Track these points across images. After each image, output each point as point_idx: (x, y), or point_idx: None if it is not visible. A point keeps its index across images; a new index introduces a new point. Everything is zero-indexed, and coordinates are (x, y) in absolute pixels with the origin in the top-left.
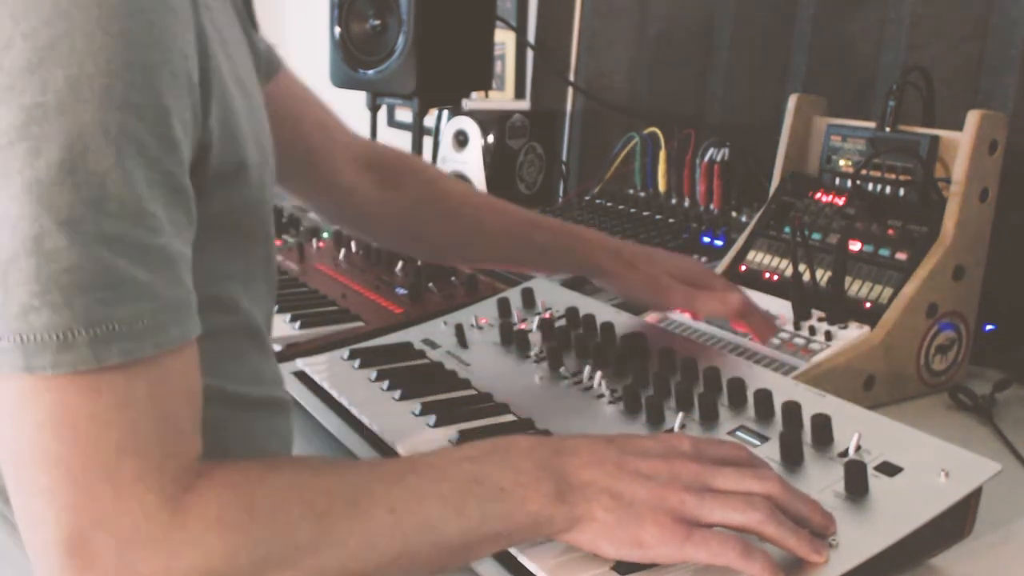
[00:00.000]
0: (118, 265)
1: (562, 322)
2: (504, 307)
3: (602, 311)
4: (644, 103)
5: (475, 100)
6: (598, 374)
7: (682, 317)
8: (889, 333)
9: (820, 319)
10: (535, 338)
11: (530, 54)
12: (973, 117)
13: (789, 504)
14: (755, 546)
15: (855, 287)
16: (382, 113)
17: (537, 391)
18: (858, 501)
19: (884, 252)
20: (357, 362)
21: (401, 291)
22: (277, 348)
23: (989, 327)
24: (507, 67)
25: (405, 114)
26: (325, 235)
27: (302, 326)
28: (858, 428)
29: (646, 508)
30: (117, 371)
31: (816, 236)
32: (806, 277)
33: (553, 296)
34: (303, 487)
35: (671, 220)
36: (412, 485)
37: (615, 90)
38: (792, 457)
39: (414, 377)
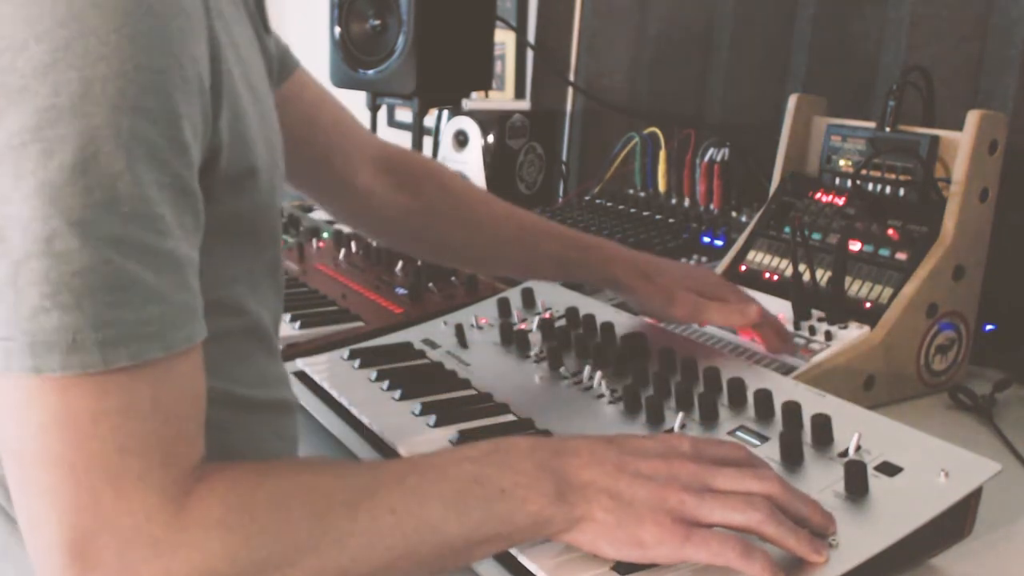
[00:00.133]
0: (128, 268)
1: (562, 322)
2: (504, 307)
3: (602, 311)
4: (644, 103)
5: (475, 100)
6: (598, 374)
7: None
8: (889, 333)
9: (820, 319)
10: (535, 338)
11: (530, 54)
12: (973, 117)
13: (789, 504)
14: (755, 546)
15: (855, 287)
16: (382, 113)
17: (537, 391)
18: (858, 501)
19: (884, 252)
20: (357, 362)
21: (401, 291)
22: None
23: (989, 327)
24: (507, 67)
25: (405, 114)
26: (325, 235)
27: (302, 326)
28: (858, 428)
29: (646, 508)
30: (123, 373)
31: (816, 236)
32: (806, 277)
33: (553, 296)
34: (304, 488)
35: (671, 220)
36: (412, 486)
37: (615, 90)
38: (792, 457)
39: (414, 377)
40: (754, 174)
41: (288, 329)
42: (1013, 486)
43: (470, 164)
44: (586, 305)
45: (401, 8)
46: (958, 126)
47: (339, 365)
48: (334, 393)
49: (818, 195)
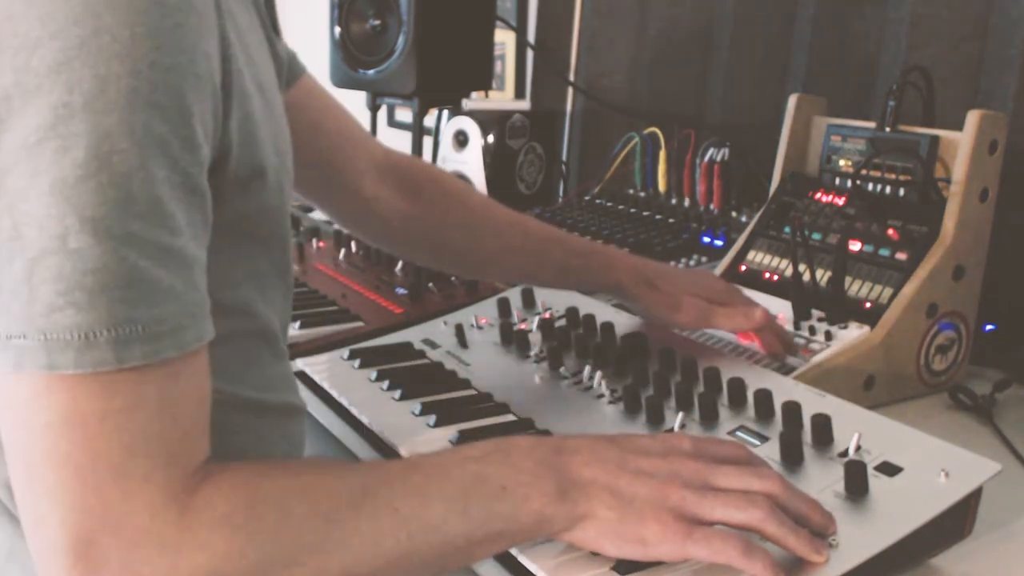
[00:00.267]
0: (141, 266)
1: (562, 322)
2: (504, 307)
3: (602, 311)
4: (644, 103)
5: (475, 100)
6: (598, 374)
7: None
8: (889, 333)
9: (820, 319)
10: (535, 338)
11: (530, 54)
12: (973, 117)
13: (789, 502)
14: (757, 545)
15: (855, 287)
16: (382, 113)
17: (537, 391)
18: (858, 501)
19: (884, 252)
20: (357, 362)
21: (401, 291)
22: None
23: (989, 327)
24: (507, 67)
25: (405, 114)
26: (325, 235)
27: (302, 326)
28: (858, 428)
29: (648, 506)
30: (132, 372)
31: (816, 236)
32: (806, 277)
33: (553, 296)
34: (308, 488)
35: (671, 220)
36: (415, 485)
37: (615, 90)
38: (792, 457)
39: (414, 377)
40: (754, 174)
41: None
42: (1013, 486)
43: (470, 164)
44: (586, 305)
45: (401, 8)
46: (958, 126)
47: (339, 365)
48: (334, 393)
49: (818, 195)
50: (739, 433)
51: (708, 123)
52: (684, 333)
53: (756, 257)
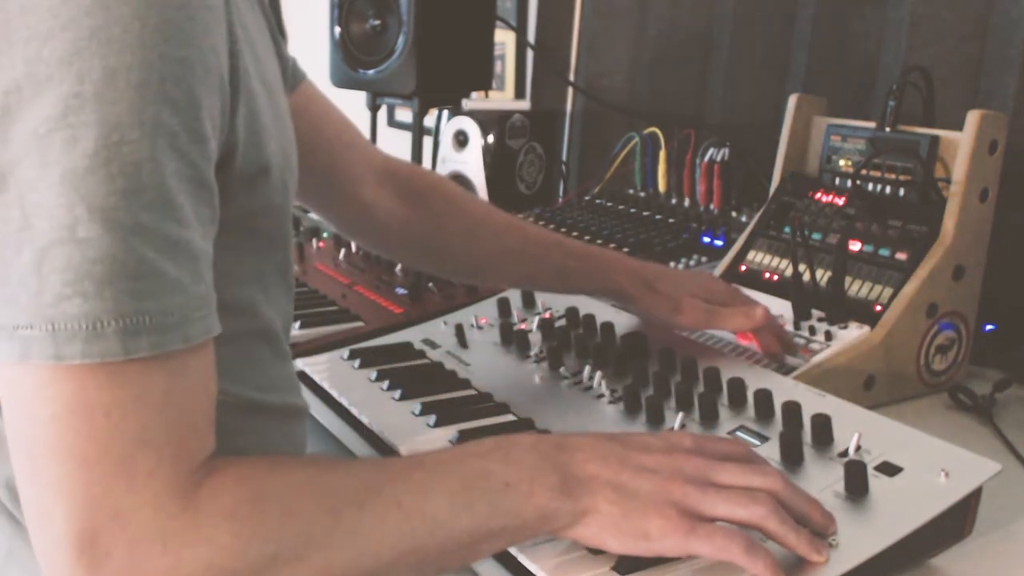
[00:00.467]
0: (150, 257)
1: (562, 322)
2: (504, 307)
3: (602, 311)
4: (644, 103)
5: (475, 100)
6: (598, 374)
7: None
8: (889, 333)
9: (820, 319)
10: (535, 338)
11: (530, 54)
12: (973, 117)
13: (790, 500)
14: (759, 544)
15: (855, 287)
16: (382, 113)
17: (537, 391)
18: (858, 501)
19: (884, 252)
20: (357, 362)
21: (401, 291)
22: None
23: (989, 327)
24: (507, 67)
25: (405, 114)
26: (325, 235)
27: (302, 326)
28: (858, 428)
29: (650, 500)
30: (139, 364)
31: (816, 236)
32: (806, 277)
33: (553, 296)
34: (313, 483)
35: (671, 220)
36: (419, 481)
37: (615, 90)
38: (792, 457)
39: (414, 377)
40: (754, 174)
41: None
42: (1013, 486)
43: (470, 164)
44: (586, 305)
45: (401, 8)
46: (958, 126)
47: (339, 365)
48: (334, 393)
49: (818, 195)
50: (739, 433)
51: (708, 123)
52: (684, 333)
53: (756, 257)
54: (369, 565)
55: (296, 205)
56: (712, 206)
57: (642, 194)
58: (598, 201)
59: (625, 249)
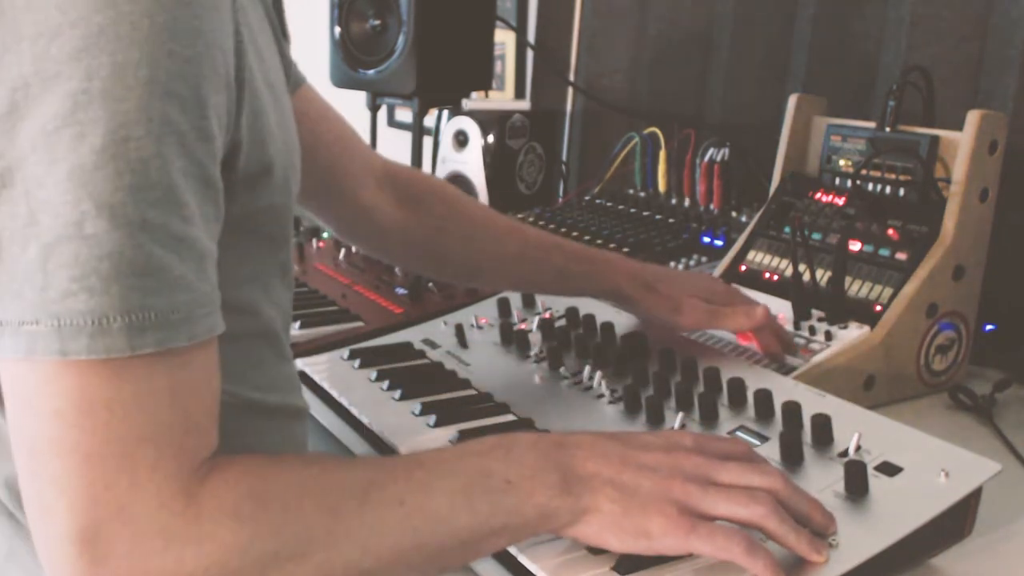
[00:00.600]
0: (156, 253)
1: (562, 322)
2: (504, 307)
3: (602, 311)
4: (644, 103)
5: (475, 100)
6: (598, 374)
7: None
8: (889, 333)
9: (820, 319)
10: (535, 338)
11: (530, 54)
12: (973, 117)
13: (791, 500)
14: (759, 544)
15: (855, 287)
16: (382, 113)
17: (537, 391)
18: (858, 501)
19: (884, 252)
20: (357, 362)
21: (401, 291)
22: None
23: (989, 327)
24: (507, 67)
25: (405, 114)
26: (325, 235)
27: (302, 326)
28: (858, 428)
29: (651, 499)
30: (144, 360)
31: (816, 236)
32: (806, 277)
33: (553, 297)
34: (314, 481)
35: (671, 220)
36: (420, 480)
37: (615, 90)
38: (792, 457)
39: (414, 377)
40: (754, 174)
41: None
42: (1013, 486)
43: (470, 164)
44: (586, 305)
45: (401, 8)
46: (958, 126)
47: (339, 365)
48: (334, 393)
49: (818, 195)
50: (739, 433)
51: (708, 123)
52: (684, 334)
53: (756, 257)
54: (370, 563)
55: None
56: (712, 206)
57: (642, 194)
58: (598, 201)
59: (625, 249)
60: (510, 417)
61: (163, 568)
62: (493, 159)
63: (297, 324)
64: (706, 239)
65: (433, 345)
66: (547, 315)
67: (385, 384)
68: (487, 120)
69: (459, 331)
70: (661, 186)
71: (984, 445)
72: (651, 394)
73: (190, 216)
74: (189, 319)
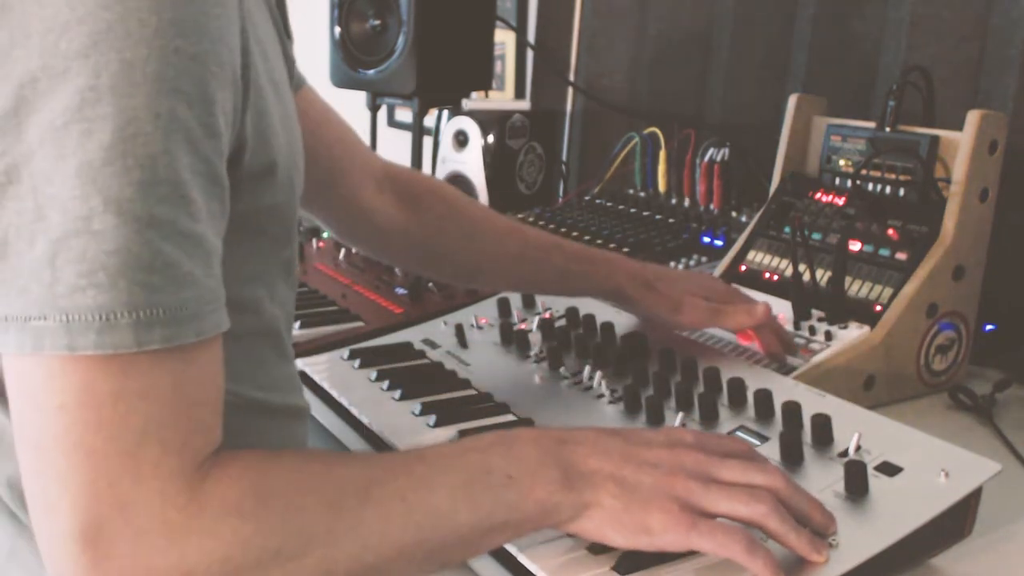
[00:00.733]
0: (164, 249)
1: (562, 322)
2: (504, 307)
3: (602, 311)
4: (644, 103)
5: (475, 100)
6: (598, 374)
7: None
8: (889, 333)
9: (820, 319)
10: (535, 338)
11: (530, 54)
12: (973, 117)
13: (791, 499)
14: (760, 543)
15: (855, 287)
16: (382, 113)
17: (537, 391)
18: (858, 501)
19: (884, 252)
20: (357, 362)
21: (401, 291)
22: None
23: (989, 327)
24: (507, 67)
25: (405, 114)
26: (325, 235)
27: (302, 326)
28: (858, 428)
29: (652, 495)
30: (149, 356)
31: (816, 236)
32: (806, 277)
33: (553, 296)
34: (316, 478)
35: (671, 220)
36: (421, 476)
37: (615, 90)
38: (792, 457)
39: (414, 377)
40: (754, 174)
41: None
42: (1013, 486)
43: (470, 164)
44: (586, 305)
45: (401, 8)
46: (958, 126)
47: (339, 365)
48: (334, 393)
49: (818, 195)
50: (739, 433)
51: (708, 123)
52: (685, 333)
53: (756, 257)
54: (371, 559)
55: None
56: (712, 206)
57: (642, 194)
58: (598, 201)
59: (625, 249)
60: (510, 417)
61: (165, 564)
62: (493, 159)
63: (297, 324)
64: (706, 239)
65: (433, 345)
66: (547, 315)
67: (385, 384)
68: (487, 120)
69: (459, 331)
70: (661, 186)
71: (984, 445)
72: (651, 394)
73: (197, 213)
74: (196, 316)
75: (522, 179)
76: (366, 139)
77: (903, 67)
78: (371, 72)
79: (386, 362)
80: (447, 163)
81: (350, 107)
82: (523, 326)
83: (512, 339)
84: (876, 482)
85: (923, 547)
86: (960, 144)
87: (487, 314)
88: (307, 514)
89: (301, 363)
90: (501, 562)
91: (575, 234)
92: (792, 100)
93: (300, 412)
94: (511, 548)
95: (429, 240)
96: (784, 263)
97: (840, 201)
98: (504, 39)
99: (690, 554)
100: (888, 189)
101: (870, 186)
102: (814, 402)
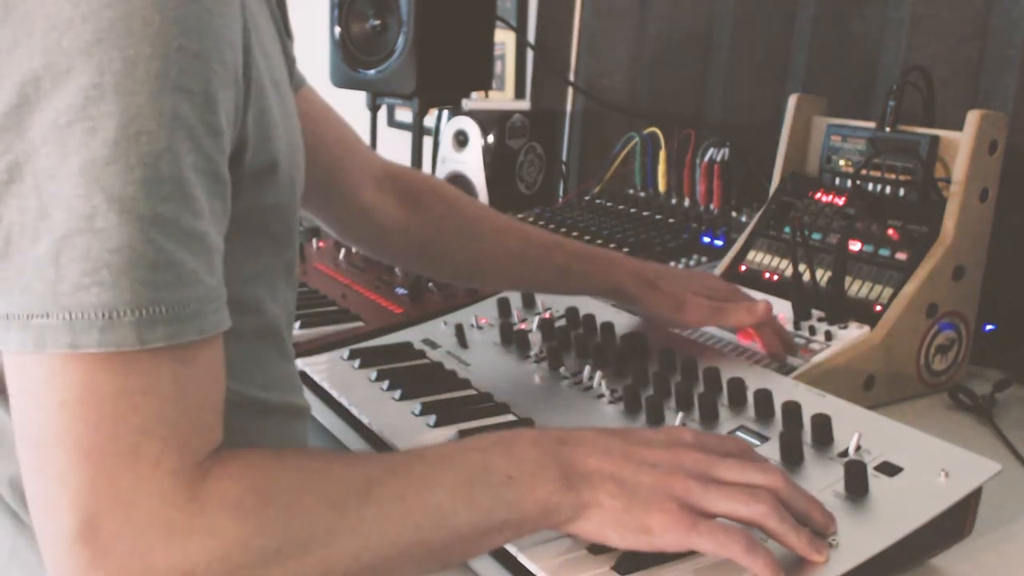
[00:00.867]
0: (167, 248)
1: (562, 322)
2: (504, 307)
3: (602, 311)
4: (644, 103)
5: (475, 100)
6: (598, 374)
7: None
8: (889, 333)
9: (820, 319)
10: (535, 338)
11: (530, 54)
12: (973, 117)
13: (791, 499)
14: (759, 543)
15: (855, 287)
16: (382, 113)
17: (537, 391)
18: (858, 501)
19: (884, 252)
20: (357, 362)
21: (401, 291)
22: None
23: (989, 327)
24: (507, 67)
25: (405, 114)
26: (325, 235)
27: (302, 326)
28: (858, 428)
29: (652, 495)
30: (151, 354)
31: (816, 236)
32: (806, 277)
33: (553, 296)
34: (317, 477)
35: (671, 220)
36: (421, 475)
37: (615, 90)
38: (792, 457)
39: (414, 377)
40: (754, 174)
41: None
42: (1013, 486)
43: (470, 164)
44: (586, 305)
45: (401, 8)
46: (958, 126)
47: (339, 365)
48: (334, 393)
49: (818, 195)
50: (739, 433)
51: (708, 123)
52: (685, 332)
53: (756, 257)
54: (371, 559)
55: None
56: (712, 206)
57: (642, 194)
58: (598, 201)
59: (625, 249)
60: (510, 417)
61: (165, 562)
62: (493, 159)
63: (297, 324)
64: (706, 239)
65: (433, 345)
66: (547, 315)
67: (385, 384)
68: (487, 120)
69: (459, 331)
70: (661, 186)
71: (984, 445)
72: (651, 394)
73: (200, 211)
74: (199, 314)
75: (522, 179)
76: (366, 139)
77: (903, 67)
78: (371, 72)
79: (386, 362)
80: (447, 163)
81: (350, 107)
82: (523, 326)
83: (512, 339)
84: (876, 482)
85: (923, 547)
86: (960, 144)
87: (487, 314)
88: (307, 513)
89: (301, 363)
90: (501, 562)
91: (575, 234)
92: (792, 100)
93: (300, 412)
94: (511, 548)
95: (429, 239)
96: (784, 263)
97: (840, 201)
98: (504, 39)
99: (690, 554)
100: (888, 189)
101: (870, 186)
102: (814, 402)
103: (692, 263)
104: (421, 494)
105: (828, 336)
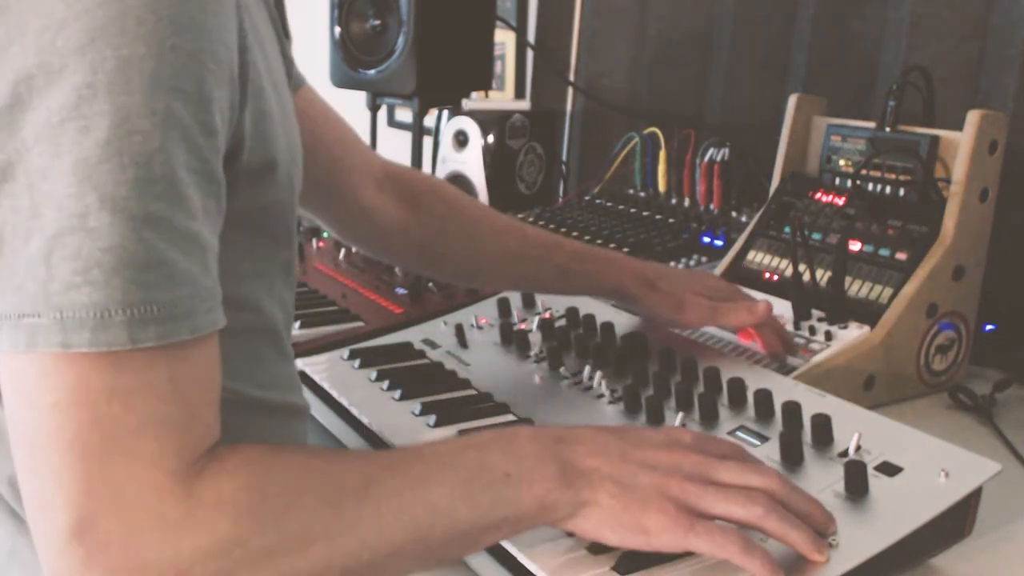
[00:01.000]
0: (159, 247)
1: (562, 322)
2: (504, 307)
3: (602, 311)
4: (644, 103)
5: (475, 100)
6: (598, 374)
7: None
8: (889, 333)
9: (820, 319)
10: (535, 338)
11: (530, 54)
12: (973, 117)
13: (789, 499)
14: (756, 543)
15: (855, 287)
16: (382, 113)
17: (537, 391)
18: (858, 501)
19: (884, 252)
20: (357, 362)
21: (401, 291)
22: None
23: (989, 327)
24: (507, 67)
25: (405, 114)
26: (325, 235)
27: (302, 326)
28: (858, 428)
29: (650, 495)
30: (145, 353)
31: (816, 236)
32: (806, 277)
33: (553, 296)
34: (314, 474)
35: (671, 220)
36: (419, 472)
37: (615, 90)
38: (792, 457)
39: (414, 377)
40: (754, 174)
41: None
42: (1013, 486)
43: (470, 164)
44: (586, 305)
45: (401, 8)
46: (958, 126)
47: (339, 365)
48: (334, 393)
49: (818, 195)
50: (739, 433)
51: (708, 123)
52: (685, 332)
53: (756, 257)
54: (369, 556)
55: None
56: (712, 206)
57: (642, 194)
58: (598, 201)
59: (625, 249)
60: (510, 417)
61: (161, 560)
62: (493, 159)
63: (297, 324)
64: (706, 239)
65: (433, 345)
66: (547, 315)
67: (385, 384)
68: (487, 120)
69: (459, 331)
70: (661, 186)
71: (984, 445)
72: (651, 394)
73: (193, 210)
74: (191, 313)
75: (522, 179)
76: (366, 139)
77: (903, 67)
78: (371, 72)
79: (386, 362)
80: (447, 163)
81: (350, 107)
82: (523, 326)
83: (512, 339)
84: (876, 482)
85: (923, 547)
86: (960, 144)
87: (487, 314)
88: (304, 511)
89: (301, 363)
90: (501, 562)
91: (575, 234)
92: (792, 100)
93: (300, 411)
94: (511, 548)
95: (429, 239)
96: (784, 263)
97: (840, 201)
98: (504, 39)
99: (690, 555)
100: (888, 189)
101: (870, 186)
102: (814, 402)
103: (692, 263)
104: (419, 492)
105: (828, 336)
